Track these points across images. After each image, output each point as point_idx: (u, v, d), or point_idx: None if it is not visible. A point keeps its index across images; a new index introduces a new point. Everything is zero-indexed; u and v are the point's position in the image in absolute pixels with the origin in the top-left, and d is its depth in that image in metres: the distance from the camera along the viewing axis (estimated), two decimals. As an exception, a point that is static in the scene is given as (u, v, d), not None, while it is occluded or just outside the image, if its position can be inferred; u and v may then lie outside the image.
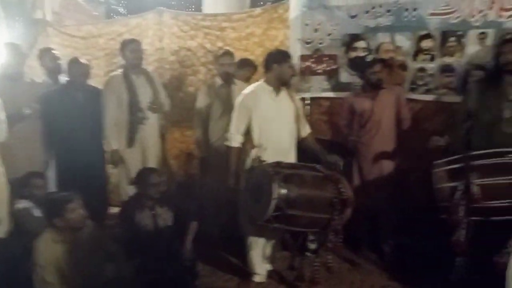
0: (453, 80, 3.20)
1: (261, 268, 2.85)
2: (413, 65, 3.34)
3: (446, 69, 3.22)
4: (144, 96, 3.29)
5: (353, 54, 3.52)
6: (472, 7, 3.06)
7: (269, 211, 2.30)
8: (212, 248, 3.27)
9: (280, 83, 2.75)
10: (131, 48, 3.26)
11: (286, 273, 2.93)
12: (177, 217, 2.79)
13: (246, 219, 2.76)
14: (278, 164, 2.47)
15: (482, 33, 3.06)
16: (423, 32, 3.25)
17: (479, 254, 2.31)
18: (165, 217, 2.76)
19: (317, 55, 3.63)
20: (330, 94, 3.68)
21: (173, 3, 10.17)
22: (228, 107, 3.22)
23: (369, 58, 3.39)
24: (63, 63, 3.51)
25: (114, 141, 3.26)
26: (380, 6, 3.35)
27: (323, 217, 2.40)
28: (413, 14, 3.25)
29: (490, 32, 3.03)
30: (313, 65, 3.66)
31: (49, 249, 2.26)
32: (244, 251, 2.87)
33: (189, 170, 4.25)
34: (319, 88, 3.70)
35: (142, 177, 2.75)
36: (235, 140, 2.75)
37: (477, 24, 3.07)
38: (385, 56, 3.37)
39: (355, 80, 3.48)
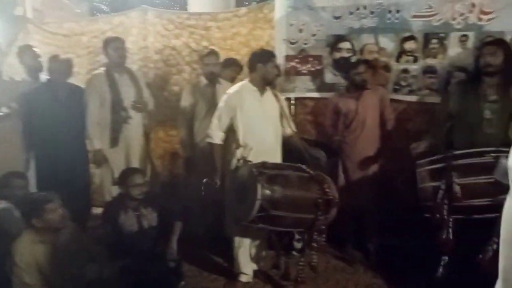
0: (435, 81, 3.25)
1: (247, 268, 2.84)
2: (397, 67, 3.38)
3: (429, 71, 3.27)
4: (128, 95, 3.26)
5: (338, 55, 3.54)
6: (454, 10, 3.12)
7: (254, 211, 2.30)
8: (197, 249, 3.25)
9: (265, 83, 2.76)
10: (114, 46, 3.22)
11: (272, 273, 2.94)
12: (161, 217, 2.77)
13: (231, 219, 2.75)
14: (263, 165, 2.47)
15: (464, 35, 3.12)
16: (406, 34, 3.29)
17: (463, 253, 2.36)
18: (150, 217, 2.73)
19: (302, 56, 3.65)
20: (315, 95, 3.70)
21: (157, 1, 10.06)
22: (212, 106, 3.20)
23: (353, 59, 3.41)
24: (44, 61, 3.44)
25: (97, 140, 3.22)
26: (364, 7, 3.38)
27: (308, 217, 2.42)
28: (396, 16, 3.30)
29: (471, 34, 3.09)
30: (298, 66, 3.68)
31: (28, 250, 2.23)
32: (230, 251, 2.87)
33: (174, 170, 4.22)
34: (304, 88, 3.71)
35: (126, 178, 2.72)
36: (217, 136, 2.75)
37: (459, 26, 3.12)
38: (369, 57, 3.41)
39: (340, 80, 3.51)
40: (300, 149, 2.78)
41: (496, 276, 1.59)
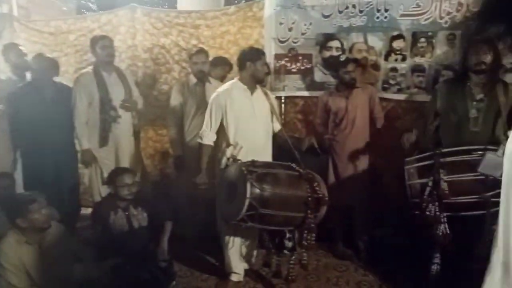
0: (423, 80, 3.29)
1: (238, 267, 2.84)
2: (386, 65, 3.40)
3: (417, 69, 3.31)
4: (116, 94, 3.23)
5: (327, 54, 3.55)
6: (441, 9, 3.15)
7: (243, 210, 2.30)
8: (188, 248, 3.24)
9: (255, 81, 2.76)
10: (102, 45, 3.19)
11: (263, 271, 2.94)
12: (152, 217, 2.75)
13: (222, 218, 2.74)
14: (252, 163, 2.47)
15: (451, 34, 3.16)
16: (395, 33, 3.32)
17: (455, 249, 2.39)
18: (140, 217, 2.71)
19: (292, 54, 3.65)
20: (305, 93, 3.71)
21: (146, -1, 9.98)
22: (202, 105, 3.21)
23: (343, 57, 3.43)
24: (30, 59, 3.39)
25: (85, 140, 3.19)
26: (353, 6, 3.40)
27: (298, 215, 2.42)
28: (385, 15, 3.32)
29: (458, 33, 3.13)
30: (287, 64, 3.68)
31: (13, 251, 2.21)
32: (221, 251, 2.87)
33: (164, 169, 4.20)
34: (294, 87, 3.72)
35: (115, 177, 2.69)
36: (208, 137, 2.74)
37: (446, 25, 3.16)
38: (358, 56, 3.42)
39: (329, 79, 3.53)
40: (289, 146, 2.78)
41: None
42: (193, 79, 3.40)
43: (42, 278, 2.26)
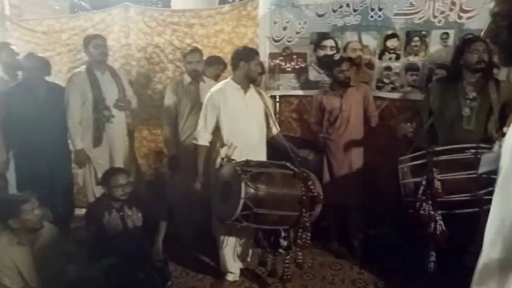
0: (417, 78, 3.30)
1: (233, 266, 2.84)
2: (380, 64, 3.41)
3: (411, 68, 3.32)
4: (110, 94, 3.21)
5: (322, 53, 3.55)
6: (434, 8, 3.16)
7: (238, 210, 2.29)
8: (184, 248, 3.24)
9: (248, 81, 2.75)
10: (95, 44, 3.16)
11: (259, 271, 2.94)
12: (146, 217, 2.74)
13: (217, 218, 2.74)
14: (246, 163, 2.46)
15: (445, 33, 3.17)
16: (389, 32, 3.32)
17: (450, 247, 2.40)
18: (134, 218, 2.70)
19: (286, 53, 3.65)
20: (300, 92, 3.71)
21: (140, -2, 9.92)
22: (196, 105, 3.20)
23: (337, 56, 3.44)
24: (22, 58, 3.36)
25: (79, 140, 3.17)
26: (347, 5, 3.40)
27: (293, 214, 2.42)
28: (379, 14, 3.32)
29: (452, 32, 3.14)
30: (282, 63, 3.68)
31: (5, 252, 2.20)
32: (216, 250, 2.86)
33: (159, 169, 4.18)
34: (289, 86, 3.72)
35: (109, 178, 2.68)
36: (203, 138, 2.73)
37: (440, 24, 3.17)
38: (352, 54, 3.43)
39: (324, 78, 3.53)
40: (286, 149, 2.78)
41: None
42: (187, 78, 3.39)
43: (35, 279, 2.25)
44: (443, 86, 2.77)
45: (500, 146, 1.83)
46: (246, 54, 2.71)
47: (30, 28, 4.37)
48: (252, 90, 2.80)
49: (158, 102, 3.85)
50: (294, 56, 3.64)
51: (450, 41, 3.15)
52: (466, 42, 2.72)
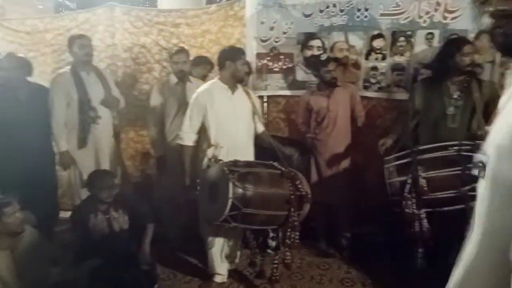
0: (403, 78, 3.34)
1: (221, 268, 2.82)
2: (366, 64, 3.44)
3: (397, 68, 3.35)
4: (95, 94, 3.16)
5: (309, 53, 3.56)
6: (420, 8, 3.20)
7: (226, 210, 2.28)
8: (171, 250, 3.21)
9: (235, 81, 2.74)
10: (79, 44, 3.12)
11: (247, 272, 2.93)
12: (133, 220, 2.70)
13: (204, 219, 2.72)
14: (234, 163, 2.45)
15: (430, 33, 3.21)
16: (375, 32, 3.35)
17: (437, 244, 2.43)
18: (121, 220, 2.66)
19: (274, 53, 3.65)
20: (287, 92, 3.71)
21: (126, -2, 9.83)
22: (183, 105, 3.16)
23: (324, 56, 3.44)
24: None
25: (63, 142, 3.11)
26: (334, 5, 3.42)
27: (281, 214, 2.42)
28: (365, 14, 3.35)
29: (436, 32, 3.18)
30: (269, 63, 3.68)
31: None
32: (204, 252, 2.84)
33: (145, 170, 4.14)
34: (276, 86, 3.72)
35: (94, 180, 2.64)
36: (189, 138, 2.72)
37: (425, 25, 3.21)
38: (339, 55, 3.45)
39: (311, 78, 3.54)
40: (272, 147, 2.78)
41: None
42: (174, 79, 3.36)
43: (17, 283, 2.20)
44: (428, 85, 2.80)
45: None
46: (232, 54, 2.70)
47: (13, 28, 4.29)
48: (240, 90, 2.79)
49: (144, 103, 3.80)
50: (281, 56, 3.64)
51: (435, 41, 3.19)
52: (455, 44, 2.75)
